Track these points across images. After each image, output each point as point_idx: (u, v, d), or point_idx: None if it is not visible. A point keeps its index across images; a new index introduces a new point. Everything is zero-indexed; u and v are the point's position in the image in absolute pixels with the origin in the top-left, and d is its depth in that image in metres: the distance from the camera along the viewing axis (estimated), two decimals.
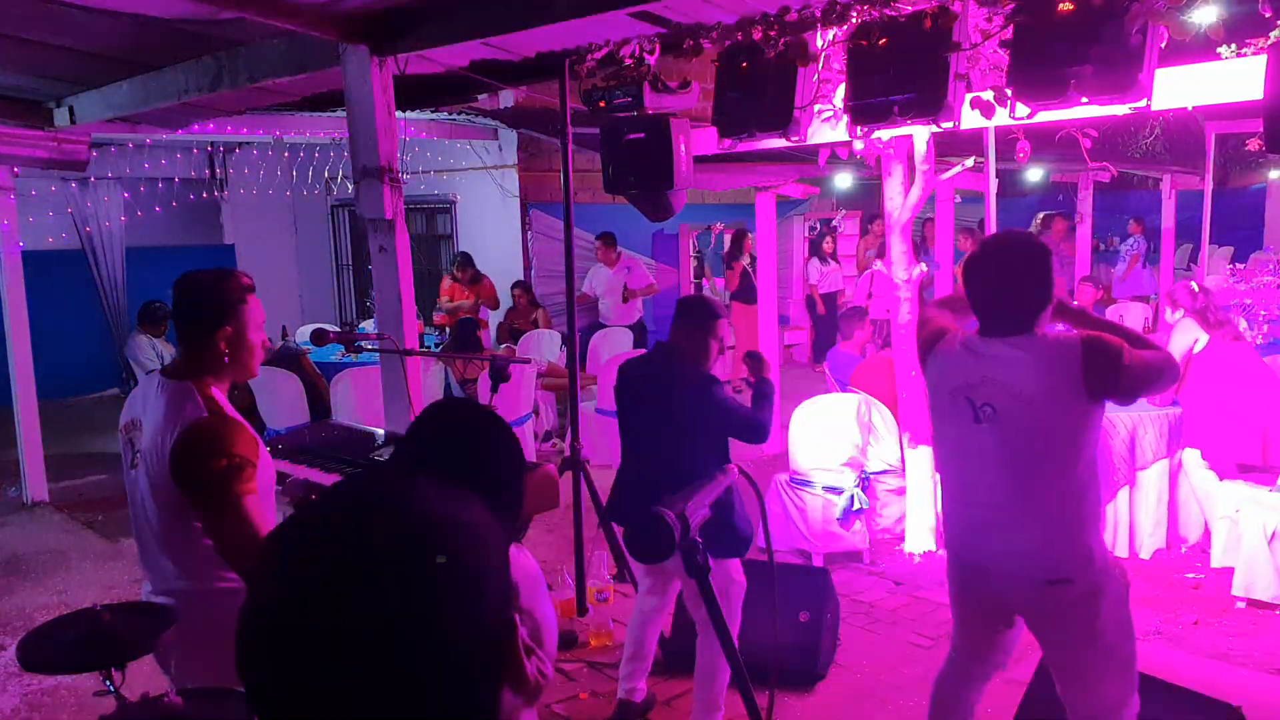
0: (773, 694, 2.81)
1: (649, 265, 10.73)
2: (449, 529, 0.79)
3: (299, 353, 7.37)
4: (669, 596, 3.79)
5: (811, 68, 3.73)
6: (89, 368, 10.98)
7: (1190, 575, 5.03)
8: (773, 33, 3.53)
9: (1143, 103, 3.09)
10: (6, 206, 6.67)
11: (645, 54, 3.94)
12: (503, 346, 9.01)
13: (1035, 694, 3.29)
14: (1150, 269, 12.42)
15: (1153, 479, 5.25)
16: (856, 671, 4.11)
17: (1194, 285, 5.58)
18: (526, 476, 1.02)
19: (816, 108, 3.94)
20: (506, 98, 8.85)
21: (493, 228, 10.53)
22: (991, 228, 5.91)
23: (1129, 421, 5.22)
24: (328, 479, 3.11)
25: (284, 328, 8.88)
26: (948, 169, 5.75)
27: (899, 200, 5.25)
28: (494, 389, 3.40)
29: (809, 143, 4.29)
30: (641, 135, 4.08)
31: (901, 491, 5.55)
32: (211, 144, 11.26)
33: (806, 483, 5.39)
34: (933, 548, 5.30)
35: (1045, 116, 3.43)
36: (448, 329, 8.81)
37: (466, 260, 9.19)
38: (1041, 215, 12.07)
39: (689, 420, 3.38)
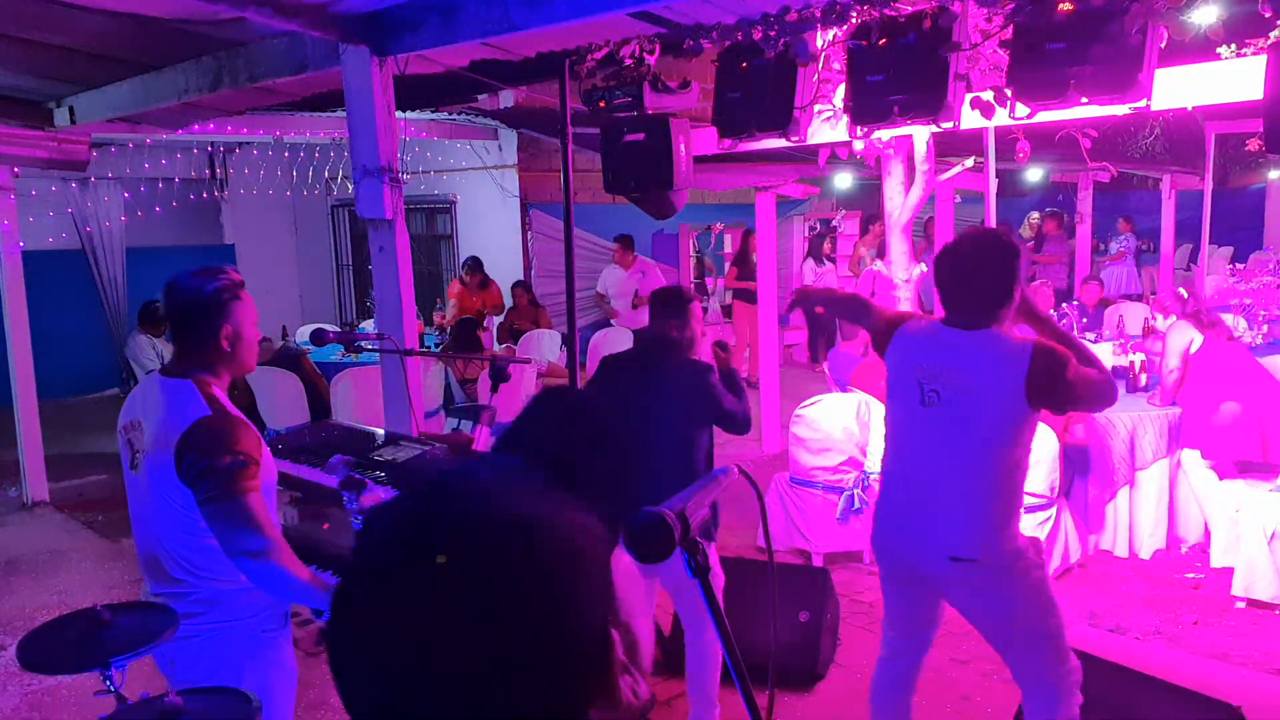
0: (773, 694, 2.81)
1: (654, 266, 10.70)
2: (544, 531, 0.73)
3: (299, 353, 7.37)
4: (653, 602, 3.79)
5: (811, 68, 3.73)
6: (89, 368, 10.98)
7: (1190, 575, 5.03)
8: (773, 33, 3.53)
9: (1143, 103, 3.10)
10: (6, 206, 6.67)
11: (645, 54, 3.94)
12: (503, 346, 9.01)
13: None
14: (1138, 268, 12.48)
15: (1153, 479, 5.25)
16: (856, 671, 4.11)
17: (1182, 292, 5.65)
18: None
19: (816, 108, 3.94)
20: (506, 98, 8.85)
21: (493, 228, 10.53)
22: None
23: (1129, 421, 5.22)
24: (329, 479, 3.11)
25: (284, 328, 8.89)
26: (948, 169, 5.75)
27: (899, 200, 5.25)
28: (494, 389, 3.40)
29: (809, 143, 4.29)
30: (641, 135, 4.08)
31: None
32: (211, 144, 11.27)
33: (806, 483, 5.38)
34: None
35: (1045, 116, 3.43)
36: (448, 329, 8.81)
37: (476, 265, 9.20)
38: (1036, 214, 12.10)
39: (683, 408, 3.38)
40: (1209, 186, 8.52)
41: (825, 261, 11.54)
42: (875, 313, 3.10)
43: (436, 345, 8.36)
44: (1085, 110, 3.24)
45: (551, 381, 7.97)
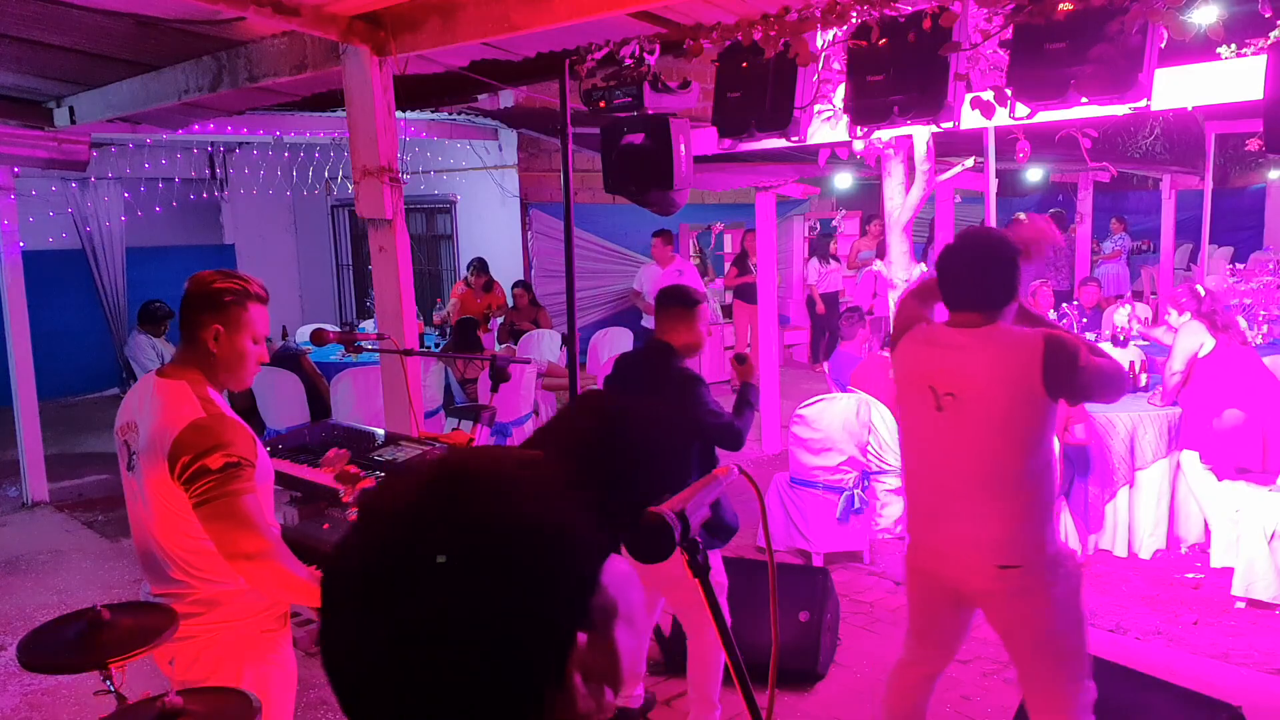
0: (772, 694, 2.81)
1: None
2: (536, 533, 0.74)
3: (299, 353, 7.37)
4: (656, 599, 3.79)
5: (811, 68, 3.73)
6: (89, 368, 10.98)
7: (1190, 575, 5.03)
8: (773, 33, 3.53)
9: (1143, 103, 3.09)
10: (6, 206, 6.67)
11: (645, 54, 3.94)
12: (503, 346, 9.01)
13: None
14: (1130, 268, 12.50)
15: (1153, 479, 5.25)
16: (856, 671, 4.11)
17: (1199, 288, 5.46)
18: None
19: (816, 108, 3.94)
20: (506, 98, 8.85)
21: (493, 228, 10.53)
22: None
23: (1129, 421, 5.21)
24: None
25: (284, 328, 8.89)
26: (948, 169, 5.75)
27: (899, 200, 5.25)
28: (494, 389, 3.40)
29: (809, 143, 4.29)
30: (641, 135, 4.08)
31: (901, 491, 5.55)
32: (211, 144, 11.27)
33: (806, 483, 5.38)
34: None
35: (1045, 116, 3.43)
36: (448, 329, 8.81)
37: (481, 267, 9.20)
38: (1022, 215, 12.13)
39: (677, 417, 3.37)
40: (1209, 186, 8.52)
41: (831, 261, 11.56)
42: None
43: (436, 345, 8.36)
44: (1085, 110, 3.24)
45: (551, 381, 7.98)
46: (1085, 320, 8.00)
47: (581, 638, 0.76)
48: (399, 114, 3.90)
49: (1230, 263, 10.46)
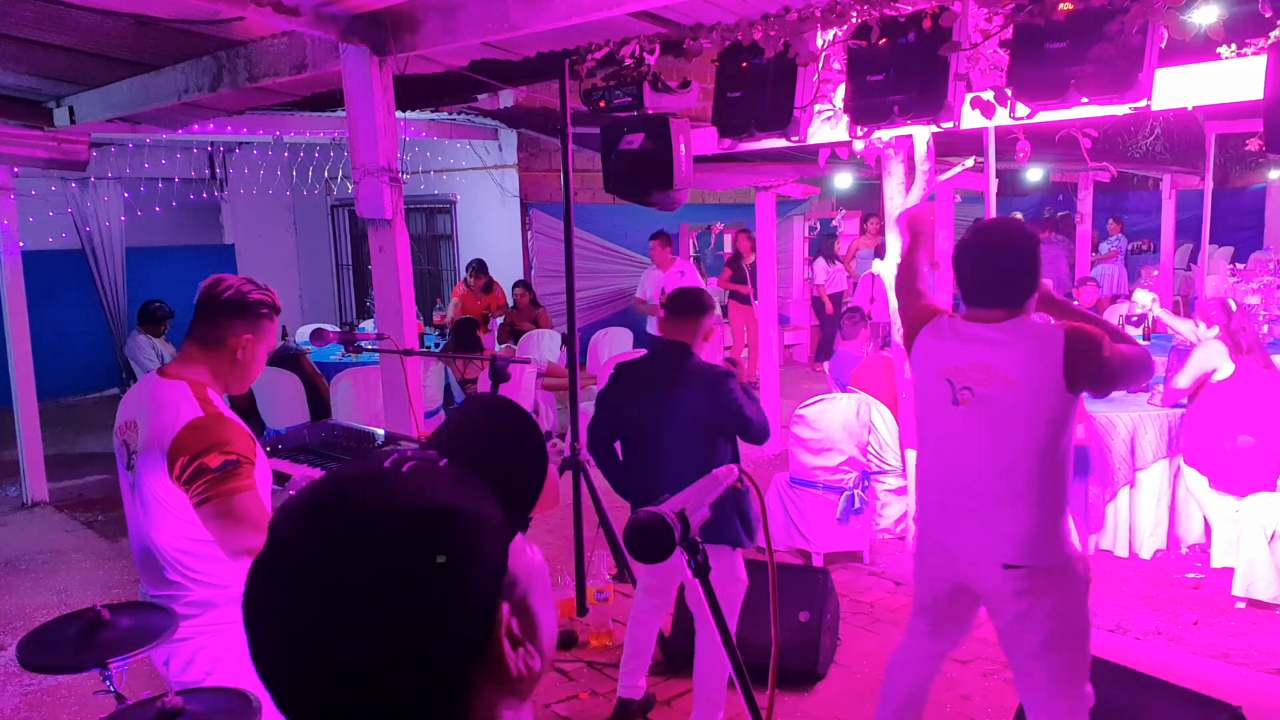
0: (773, 694, 2.81)
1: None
2: (438, 516, 0.78)
3: (299, 353, 7.37)
4: (669, 595, 3.79)
5: (811, 68, 3.73)
6: (89, 368, 10.98)
7: (1190, 575, 5.03)
8: (773, 33, 3.53)
9: (1143, 103, 3.10)
10: (6, 206, 6.66)
11: (645, 54, 3.94)
12: (503, 346, 9.01)
13: None
14: (1127, 268, 12.50)
15: (1153, 479, 5.25)
16: (856, 671, 4.11)
17: (1231, 303, 5.20)
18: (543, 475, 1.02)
19: (816, 108, 3.94)
20: (506, 98, 8.84)
21: (493, 228, 10.53)
22: None
23: (1129, 421, 5.21)
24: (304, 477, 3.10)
25: (284, 328, 8.88)
26: (948, 169, 5.75)
27: (899, 200, 5.25)
28: (494, 389, 3.39)
29: (809, 143, 4.29)
30: (641, 135, 4.08)
31: (902, 491, 5.55)
32: (211, 144, 11.27)
33: (806, 483, 5.38)
34: None
35: (1045, 116, 3.43)
36: (448, 329, 8.82)
37: (481, 268, 9.19)
38: (1019, 215, 12.15)
39: (702, 414, 3.37)
40: (1209, 186, 8.51)
41: (835, 261, 11.59)
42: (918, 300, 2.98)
43: (436, 345, 8.36)
44: (1085, 110, 3.24)
45: (551, 381, 7.98)
46: None
47: (504, 606, 0.81)
48: (399, 114, 3.90)
49: (1230, 262, 10.46)
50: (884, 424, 5.61)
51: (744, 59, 3.77)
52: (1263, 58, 3.06)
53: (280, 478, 2.98)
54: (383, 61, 3.76)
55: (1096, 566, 5.19)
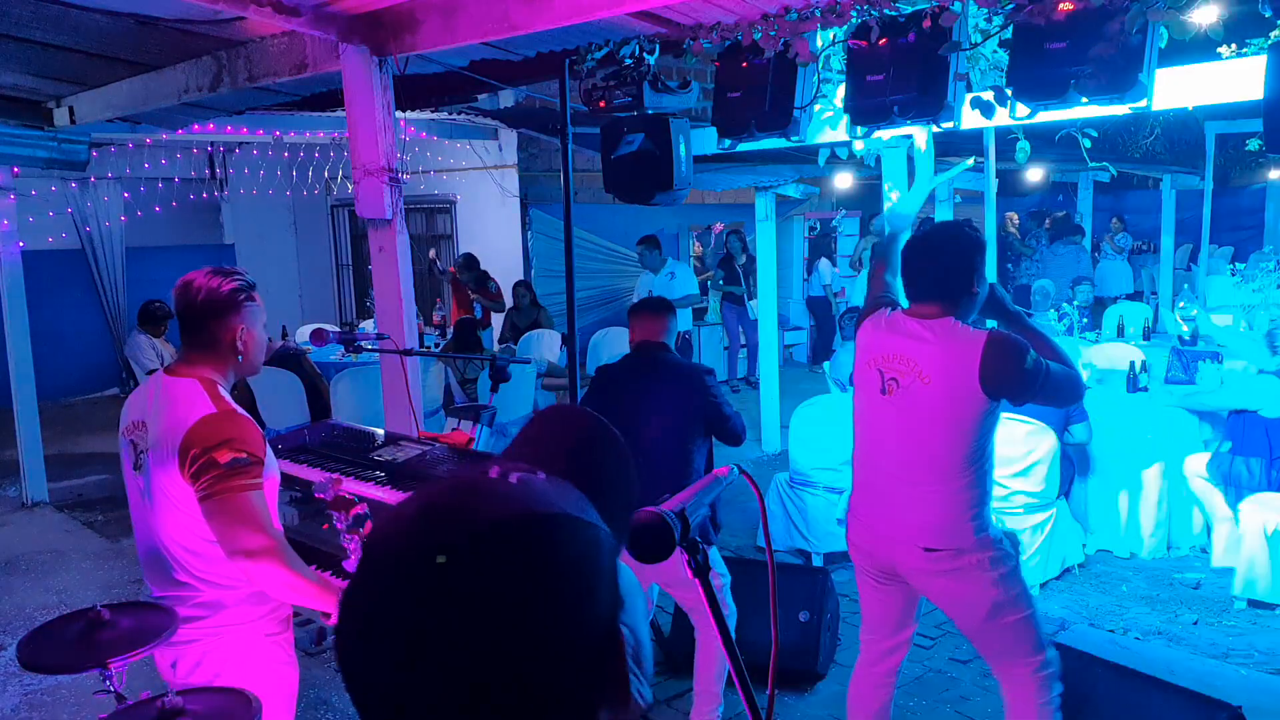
0: (773, 694, 2.81)
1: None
2: (562, 523, 0.73)
3: (299, 353, 7.36)
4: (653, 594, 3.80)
5: (811, 68, 3.73)
6: (89, 368, 10.98)
7: (1190, 575, 5.03)
8: (773, 33, 3.53)
9: (1143, 103, 3.09)
10: (6, 206, 6.66)
11: (645, 54, 3.93)
12: (503, 346, 9.01)
13: None
14: (1130, 265, 12.47)
15: (1153, 479, 5.25)
16: None
17: None
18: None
19: (816, 108, 3.94)
20: (506, 98, 8.84)
21: (493, 228, 10.53)
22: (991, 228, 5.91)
23: (1129, 421, 5.21)
24: (328, 479, 3.10)
25: (284, 328, 8.88)
26: (948, 169, 5.75)
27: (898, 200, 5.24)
28: (494, 389, 3.40)
29: (809, 143, 4.29)
30: (641, 135, 4.08)
31: None
32: (211, 144, 11.26)
33: (807, 483, 5.38)
34: None
35: (1045, 116, 3.43)
36: (448, 329, 8.81)
37: (467, 263, 9.15)
38: (1015, 215, 12.17)
39: (682, 411, 3.39)
40: (1209, 186, 8.51)
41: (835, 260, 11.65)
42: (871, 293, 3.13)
43: (436, 345, 8.36)
44: (1085, 110, 3.24)
45: (551, 381, 7.98)
46: (1085, 321, 8.00)
47: (621, 631, 0.74)
48: (399, 114, 3.90)
49: (1230, 262, 10.45)
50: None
51: (744, 59, 3.77)
52: (1263, 58, 3.06)
53: (288, 480, 2.99)
54: (383, 61, 3.76)
55: (1096, 566, 5.19)
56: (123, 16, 3.83)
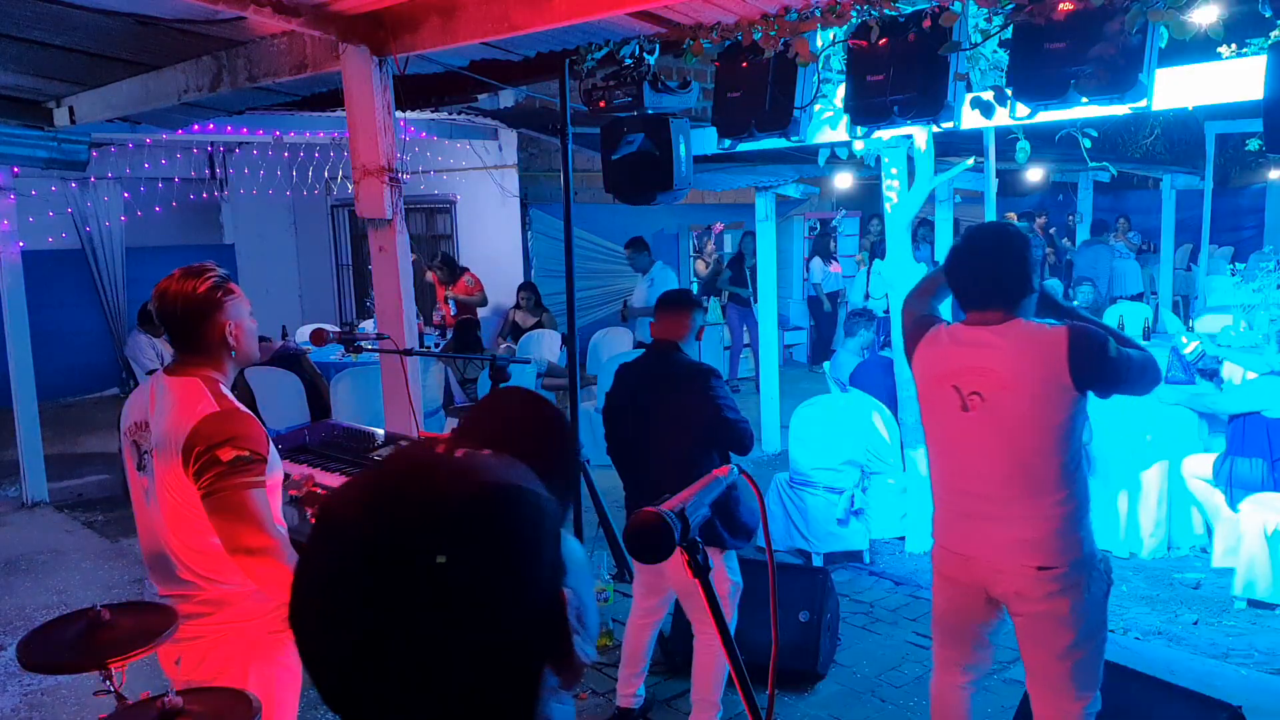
0: (773, 694, 2.81)
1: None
2: (508, 491, 0.77)
3: (299, 353, 7.36)
4: (666, 599, 3.79)
5: (811, 68, 3.73)
6: (89, 368, 10.98)
7: (1190, 575, 5.03)
8: (773, 33, 3.53)
9: (1143, 103, 3.09)
10: (6, 206, 6.66)
11: (645, 54, 3.94)
12: (503, 346, 9.01)
13: None
14: (1139, 264, 12.43)
15: (1153, 479, 5.25)
16: (856, 671, 4.11)
17: None
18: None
19: (816, 108, 3.94)
20: (506, 98, 8.83)
21: (493, 228, 10.53)
22: None
23: (1131, 421, 5.21)
24: (328, 478, 3.11)
25: (284, 328, 8.88)
26: (948, 169, 5.75)
27: (899, 200, 5.25)
28: (493, 388, 3.39)
29: (809, 143, 4.29)
30: (641, 135, 4.08)
31: (901, 491, 5.55)
32: (211, 144, 11.26)
33: (807, 483, 5.39)
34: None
35: (1045, 116, 3.43)
36: (448, 329, 8.81)
37: (443, 261, 9.19)
38: (1013, 215, 12.15)
39: (691, 414, 3.38)
40: (1209, 186, 8.51)
41: (832, 260, 11.61)
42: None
43: (436, 345, 8.36)
44: (1085, 110, 3.24)
45: (551, 381, 7.98)
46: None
47: (564, 592, 0.79)
48: (399, 114, 3.90)
49: (1230, 262, 10.44)
50: (884, 424, 5.61)
51: (744, 59, 3.77)
52: (1263, 58, 3.06)
53: (288, 480, 2.99)
54: (383, 61, 3.75)
55: None
56: (123, 16, 3.83)
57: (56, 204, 10.38)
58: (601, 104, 4.09)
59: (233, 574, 2.23)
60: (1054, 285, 9.15)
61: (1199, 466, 5.09)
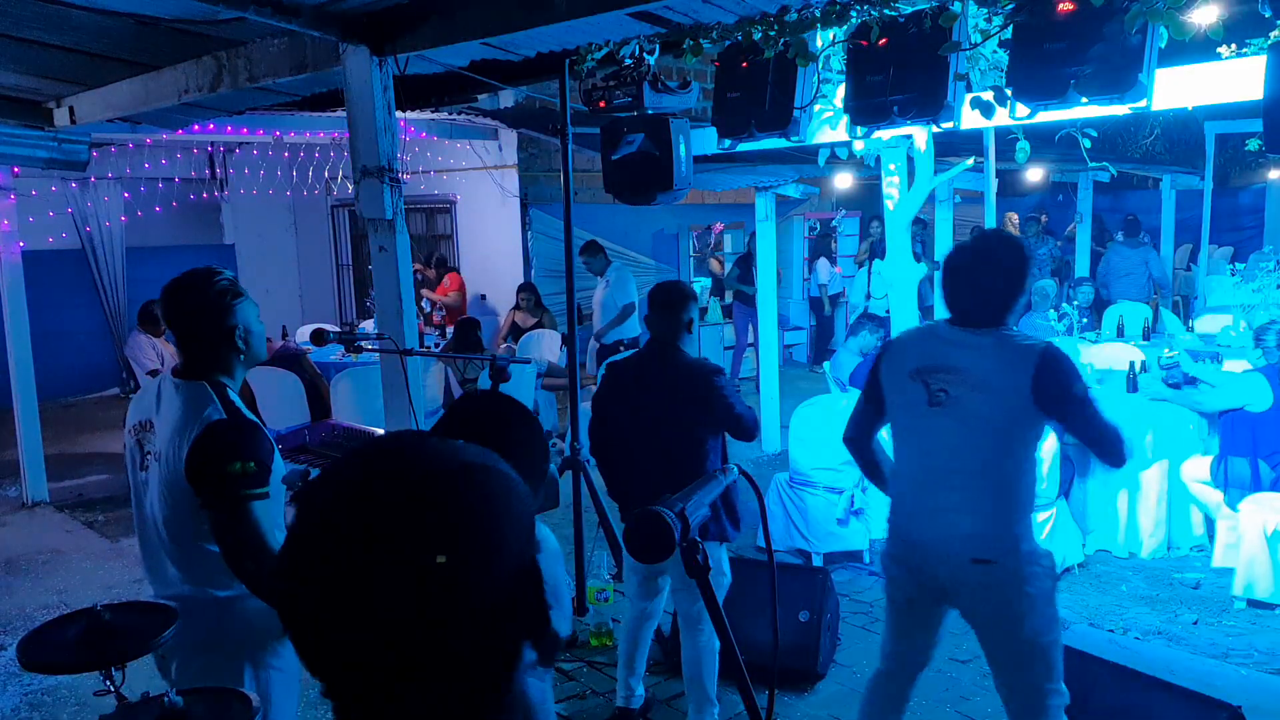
0: (773, 694, 2.81)
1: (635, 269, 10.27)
2: (478, 471, 0.80)
3: (299, 353, 7.37)
4: (662, 597, 3.79)
5: (811, 68, 3.73)
6: (89, 368, 10.98)
7: (1190, 575, 5.03)
8: (773, 33, 3.53)
9: (1143, 103, 3.09)
10: (6, 206, 6.67)
11: (645, 54, 3.94)
12: (503, 346, 9.01)
13: None
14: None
15: (1153, 479, 5.25)
16: (856, 671, 4.11)
17: None
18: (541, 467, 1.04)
19: (816, 108, 3.94)
20: (506, 98, 8.84)
21: (493, 228, 10.53)
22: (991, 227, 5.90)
23: (1129, 421, 5.21)
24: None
25: (284, 328, 8.89)
26: (948, 169, 5.76)
27: (899, 200, 5.25)
28: (494, 388, 3.38)
29: (809, 143, 4.29)
30: (641, 135, 4.08)
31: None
32: (211, 144, 11.26)
33: (807, 483, 5.38)
34: None
35: (1045, 116, 3.43)
36: (448, 328, 8.81)
37: (437, 261, 9.26)
38: (1014, 215, 12.15)
39: (694, 410, 3.37)
40: (1209, 186, 8.51)
41: (834, 261, 11.64)
42: None
43: (436, 345, 8.36)
44: (1085, 110, 3.24)
45: (551, 381, 7.98)
46: (1085, 321, 8.00)
47: (539, 566, 0.82)
48: (399, 114, 3.90)
49: (1230, 262, 10.44)
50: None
51: (744, 59, 3.77)
52: (1263, 58, 3.06)
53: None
54: (383, 61, 3.75)
55: (1096, 566, 5.19)
56: (123, 16, 3.82)
57: (57, 204, 10.38)
58: (601, 104, 4.09)
59: (227, 580, 2.23)
60: (1046, 286, 9.14)
61: (1197, 469, 5.09)
